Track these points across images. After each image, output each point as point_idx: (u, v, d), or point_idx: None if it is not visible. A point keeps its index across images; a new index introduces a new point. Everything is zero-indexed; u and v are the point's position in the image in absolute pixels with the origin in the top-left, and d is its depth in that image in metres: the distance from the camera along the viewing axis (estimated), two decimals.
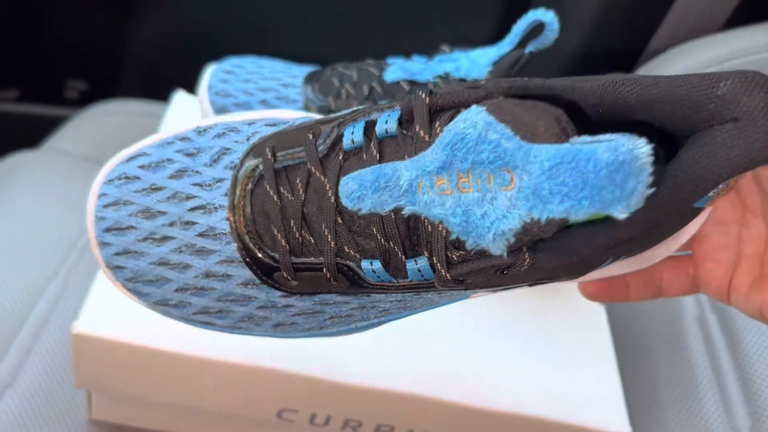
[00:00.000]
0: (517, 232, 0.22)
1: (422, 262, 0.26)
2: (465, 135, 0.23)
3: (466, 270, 0.25)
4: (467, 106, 0.25)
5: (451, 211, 0.24)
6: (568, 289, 0.47)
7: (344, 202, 0.26)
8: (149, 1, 0.80)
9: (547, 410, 0.42)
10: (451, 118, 0.25)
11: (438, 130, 0.25)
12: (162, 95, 0.72)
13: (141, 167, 0.30)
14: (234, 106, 0.45)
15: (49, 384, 0.48)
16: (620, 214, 0.20)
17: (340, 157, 0.28)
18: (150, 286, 0.31)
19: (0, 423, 0.45)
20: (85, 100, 0.91)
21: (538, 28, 0.43)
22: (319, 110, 0.45)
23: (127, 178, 0.30)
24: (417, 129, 0.26)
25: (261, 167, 0.29)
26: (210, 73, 0.48)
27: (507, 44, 0.43)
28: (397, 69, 0.44)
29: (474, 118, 0.23)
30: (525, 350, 0.45)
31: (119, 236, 0.30)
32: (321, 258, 0.28)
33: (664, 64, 0.58)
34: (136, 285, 0.31)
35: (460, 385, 0.42)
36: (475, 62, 0.43)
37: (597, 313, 0.49)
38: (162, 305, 0.31)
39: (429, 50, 0.46)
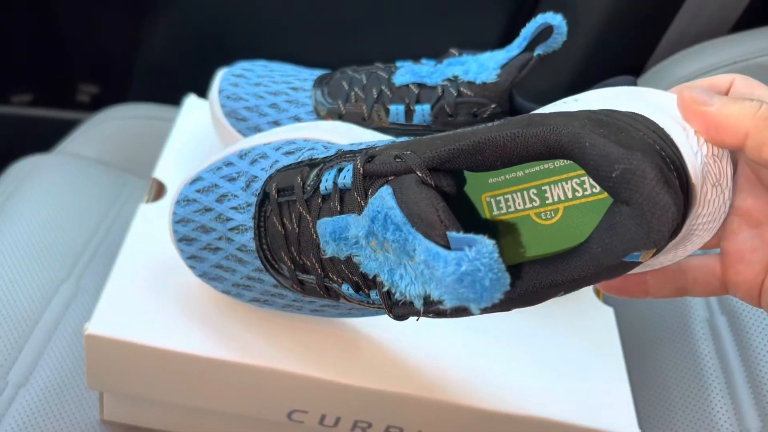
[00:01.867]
0: (424, 297, 0.26)
1: (376, 295, 0.30)
2: (377, 213, 0.27)
3: (403, 312, 0.29)
4: (397, 174, 0.29)
5: (381, 268, 0.28)
6: (577, 291, 0.47)
7: (320, 243, 0.31)
8: (160, 7, 0.81)
9: (556, 412, 0.42)
10: (381, 185, 0.29)
11: (370, 196, 0.29)
12: (172, 99, 0.72)
13: (198, 191, 0.38)
14: (245, 110, 0.46)
15: (60, 385, 0.48)
16: (476, 311, 0.24)
17: (319, 200, 0.32)
18: (214, 281, 0.39)
19: (14, 421, 0.46)
20: (97, 103, 0.92)
21: (546, 32, 0.43)
22: (329, 113, 0.45)
23: (188, 200, 0.39)
24: (354, 195, 0.30)
25: (270, 201, 0.35)
26: (221, 76, 0.48)
27: (515, 47, 0.43)
28: (406, 72, 0.45)
29: (383, 201, 0.27)
30: (533, 352, 0.45)
31: (188, 245, 0.39)
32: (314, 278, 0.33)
33: (673, 66, 0.58)
34: (206, 280, 0.40)
35: (469, 387, 0.42)
36: (484, 65, 0.43)
37: (606, 314, 0.49)
38: (227, 293, 0.40)
39: (438, 53, 0.46)
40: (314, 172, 0.33)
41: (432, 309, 0.27)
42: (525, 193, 0.33)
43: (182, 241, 0.39)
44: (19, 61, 0.91)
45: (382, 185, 0.29)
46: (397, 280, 0.27)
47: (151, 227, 0.44)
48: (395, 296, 0.28)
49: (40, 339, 0.50)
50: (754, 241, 0.30)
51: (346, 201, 0.31)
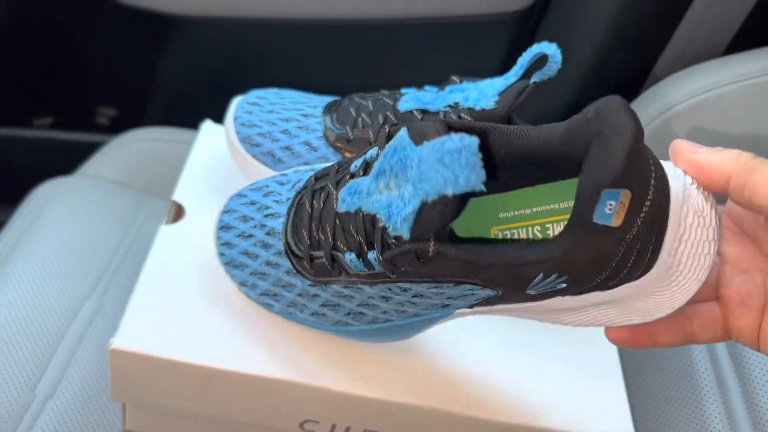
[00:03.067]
0: (414, 218, 0.30)
1: (372, 254, 0.34)
2: (390, 148, 0.32)
3: (393, 254, 0.33)
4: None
5: (381, 206, 0.32)
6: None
7: (337, 205, 0.36)
8: (176, 36, 0.84)
9: (553, 421, 0.44)
10: None
11: None
12: (186, 123, 0.75)
13: (251, 189, 0.43)
14: (258, 136, 0.48)
15: (85, 396, 0.51)
16: (465, 186, 0.28)
17: (347, 176, 0.37)
18: (236, 269, 0.42)
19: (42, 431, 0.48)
20: (115, 125, 0.95)
21: (542, 60, 0.45)
22: (337, 138, 0.47)
23: (239, 195, 0.44)
24: (378, 151, 0.35)
25: (306, 188, 0.40)
26: (236, 104, 0.51)
27: (513, 75, 0.46)
28: (410, 99, 0.47)
29: (398, 137, 0.32)
30: (535, 363, 0.47)
31: (225, 232, 0.43)
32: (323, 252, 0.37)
33: (666, 88, 0.61)
34: (229, 269, 0.42)
35: (477, 398, 0.44)
36: (483, 92, 0.45)
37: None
38: (243, 286, 0.42)
39: (440, 81, 0.48)
40: (352, 162, 0.38)
41: (419, 240, 0.31)
42: (530, 228, 0.36)
43: (222, 228, 0.43)
44: (40, 85, 0.94)
45: None
46: (394, 212, 0.31)
47: (172, 247, 0.47)
48: (389, 230, 0.31)
49: (66, 353, 0.53)
50: (746, 287, 0.32)
51: (370, 167, 0.35)
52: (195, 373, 0.42)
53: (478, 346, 0.46)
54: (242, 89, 0.53)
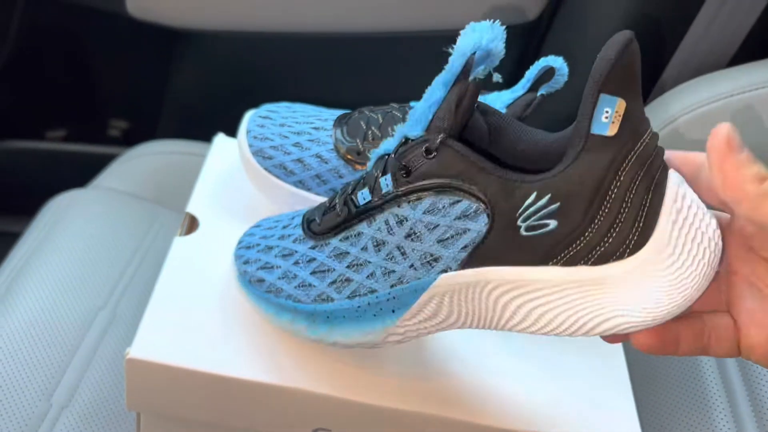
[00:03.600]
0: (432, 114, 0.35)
1: (389, 178, 0.37)
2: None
3: (405, 149, 0.36)
4: None
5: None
6: None
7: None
8: (188, 51, 0.85)
9: (565, 431, 0.44)
10: None
11: None
12: (197, 136, 0.76)
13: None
14: (270, 149, 0.49)
15: (100, 405, 0.52)
16: (487, 45, 0.33)
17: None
18: (248, 265, 0.43)
19: None
20: (127, 138, 0.96)
21: (549, 73, 0.46)
22: (348, 151, 0.48)
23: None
24: None
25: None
26: (248, 118, 0.52)
27: (520, 88, 0.47)
28: None
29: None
30: (542, 376, 0.47)
31: (250, 236, 0.45)
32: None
33: (670, 99, 0.61)
34: (239, 263, 0.44)
35: (490, 406, 0.44)
36: (491, 105, 0.46)
37: None
38: (251, 278, 0.43)
39: None
40: None
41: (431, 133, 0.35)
42: None
43: (248, 235, 0.45)
44: (53, 98, 0.95)
45: None
46: (413, 114, 0.36)
47: (186, 258, 0.48)
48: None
49: (81, 363, 0.54)
50: (761, 304, 0.31)
51: None
52: (210, 383, 0.43)
53: (487, 356, 0.47)
54: (253, 103, 0.54)
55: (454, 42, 0.35)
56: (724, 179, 0.30)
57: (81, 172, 0.80)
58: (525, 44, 0.77)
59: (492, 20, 0.35)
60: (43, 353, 0.54)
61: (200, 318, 0.45)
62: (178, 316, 0.44)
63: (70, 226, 0.64)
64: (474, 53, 0.34)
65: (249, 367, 0.43)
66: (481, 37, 0.34)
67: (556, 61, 0.45)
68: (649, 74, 0.66)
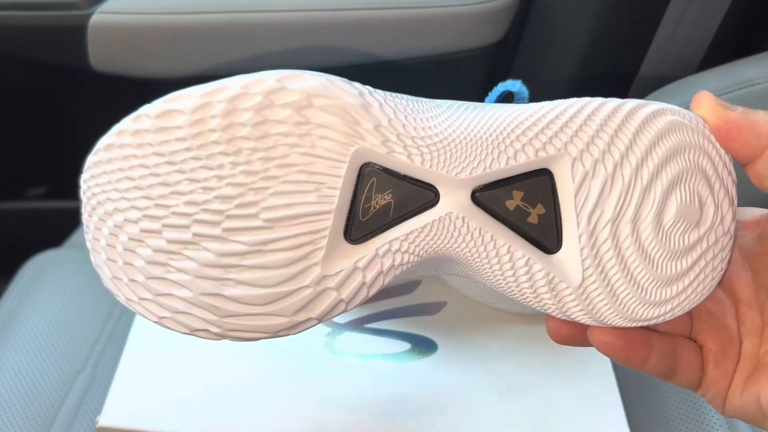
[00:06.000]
0: None
1: None
2: None
3: None
4: None
5: None
6: None
7: None
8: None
9: None
10: None
11: None
12: None
13: None
14: None
15: None
16: None
17: None
18: None
19: None
20: None
21: (511, 96, 0.45)
22: None
23: None
24: None
25: None
26: None
27: None
28: None
29: None
30: (529, 393, 0.46)
31: None
32: None
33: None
34: None
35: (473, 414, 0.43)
36: None
37: (602, 358, 0.50)
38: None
39: None
40: None
41: None
42: None
43: None
44: (33, 155, 0.95)
45: None
46: None
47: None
48: None
49: (61, 428, 0.53)
50: (722, 344, 0.27)
51: None
52: None
53: (475, 361, 0.46)
54: None
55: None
56: (734, 130, 0.25)
57: (62, 228, 0.79)
58: (494, 62, 0.77)
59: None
60: (22, 422, 0.52)
61: (172, 378, 0.44)
62: (149, 378, 0.44)
63: (46, 290, 0.63)
64: None
65: (224, 424, 0.42)
66: None
67: (515, 85, 0.44)
68: (618, 87, 0.66)
